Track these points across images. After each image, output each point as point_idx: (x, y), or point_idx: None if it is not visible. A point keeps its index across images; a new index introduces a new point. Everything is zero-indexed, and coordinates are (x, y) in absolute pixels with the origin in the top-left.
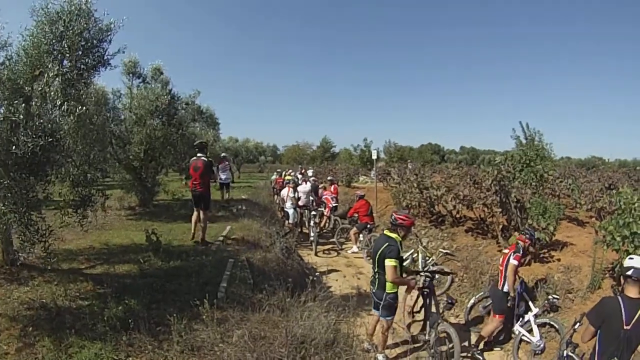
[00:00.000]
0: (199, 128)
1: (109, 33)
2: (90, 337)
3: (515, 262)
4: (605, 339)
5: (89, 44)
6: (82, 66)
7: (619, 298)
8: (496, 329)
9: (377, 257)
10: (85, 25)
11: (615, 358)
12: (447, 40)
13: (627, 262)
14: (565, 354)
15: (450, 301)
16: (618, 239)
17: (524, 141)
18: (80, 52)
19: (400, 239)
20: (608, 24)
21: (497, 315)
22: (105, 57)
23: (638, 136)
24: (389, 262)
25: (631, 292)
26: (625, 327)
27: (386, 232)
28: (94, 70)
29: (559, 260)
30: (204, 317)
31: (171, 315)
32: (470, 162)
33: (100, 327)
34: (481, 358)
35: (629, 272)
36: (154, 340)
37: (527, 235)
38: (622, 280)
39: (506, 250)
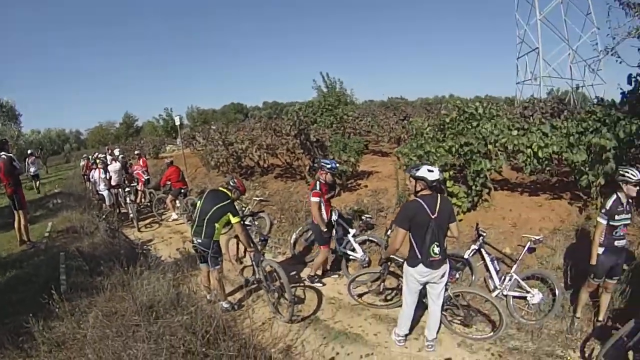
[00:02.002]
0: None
1: None
2: None
3: (315, 199)
4: (419, 234)
5: None
6: None
7: (418, 199)
8: (325, 258)
9: (212, 210)
10: None
11: (436, 242)
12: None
13: (425, 173)
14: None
15: (263, 239)
16: (414, 159)
17: (325, 90)
18: None
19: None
20: None
21: (321, 247)
22: None
23: (438, 75)
24: (236, 220)
25: (425, 192)
26: (432, 217)
27: (222, 188)
28: None
29: (366, 186)
30: (58, 311)
31: (27, 322)
32: (274, 115)
33: None
34: (320, 284)
35: (431, 179)
36: (20, 350)
37: (324, 168)
38: (418, 185)
39: None
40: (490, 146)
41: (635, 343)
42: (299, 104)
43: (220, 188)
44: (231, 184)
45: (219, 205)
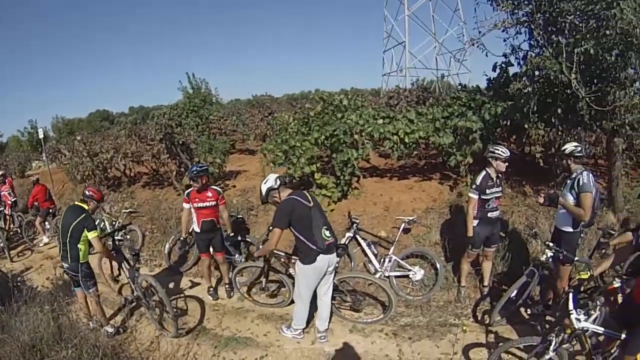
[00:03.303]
0: None
1: None
2: None
3: (184, 206)
4: (304, 226)
5: None
6: None
7: (291, 197)
8: (208, 265)
9: (70, 229)
10: None
11: (324, 226)
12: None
13: (269, 184)
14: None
15: (133, 253)
16: (280, 154)
17: (190, 91)
18: None
19: (90, 212)
20: None
21: (200, 255)
22: None
23: (303, 71)
24: (93, 235)
25: (290, 192)
26: (310, 205)
27: (77, 202)
28: None
29: (234, 186)
30: None
31: None
32: (140, 121)
33: None
34: (216, 296)
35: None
36: None
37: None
38: (279, 194)
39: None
40: (356, 136)
41: (524, 300)
42: (164, 107)
43: (77, 203)
44: (86, 194)
45: (75, 222)
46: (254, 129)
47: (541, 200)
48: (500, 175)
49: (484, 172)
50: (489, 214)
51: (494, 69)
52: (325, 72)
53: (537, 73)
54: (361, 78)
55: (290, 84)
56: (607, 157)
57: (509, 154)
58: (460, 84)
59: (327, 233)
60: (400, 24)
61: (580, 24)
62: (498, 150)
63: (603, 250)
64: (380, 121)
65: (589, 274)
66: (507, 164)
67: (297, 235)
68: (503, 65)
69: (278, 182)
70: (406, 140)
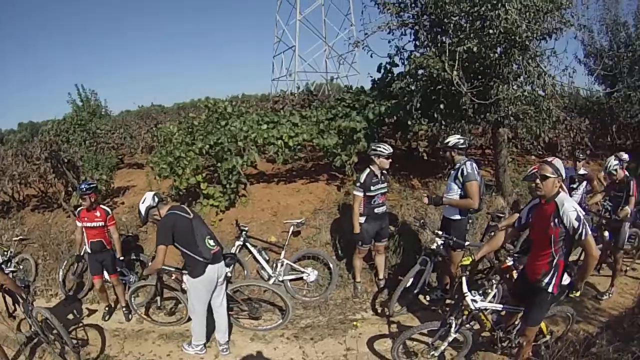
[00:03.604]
0: None
1: None
2: None
3: (78, 223)
4: (187, 240)
5: None
6: None
7: (171, 212)
8: (99, 287)
9: None
10: None
11: (207, 236)
12: None
13: (147, 202)
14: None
15: (24, 284)
16: (165, 166)
17: (80, 104)
18: None
19: None
20: None
21: (94, 277)
22: None
23: (194, 79)
24: None
25: (165, 207)
26: (190, 217)
27: None
28: None
29: (123, 203)
30: None
31: None
32: (30, 137)
33: None
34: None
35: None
36: None
37: (78, 192)
38: (158, 212)
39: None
40: (241, 142)
41: (422, 288)
42: (50, 121)
43: None
44: None
45: None
46: (140, 141)
47: (425, 200)
48: (384, 171)
49: (367, 170)
50: (376, 210)
51: (378, 70)
52: (216, 79)
53: (420, 72)
54: (252, 83)
55: (181, 92)
56: (494, 146)
57: (391, 150)
58: (345, 86)
59: (212, 242)
60: (291, 28)
61: (465, 25)
62: (380, 147)
63: (492, 233)
64: (265, 126)
65: (470, 260)
66: (390, 160)
67: (182, 250)
68: (387, 65)
69: (156, 200)
70: (290, 143)
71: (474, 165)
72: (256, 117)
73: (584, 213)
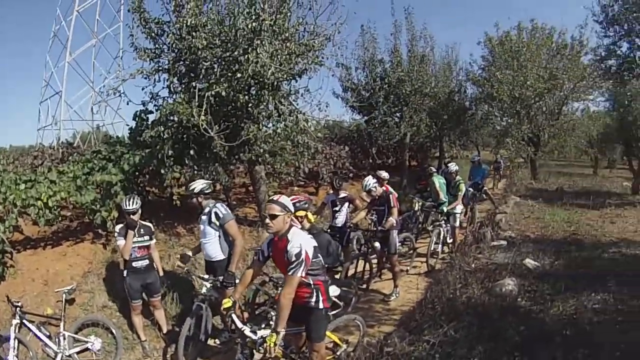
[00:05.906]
0: None
1: None
2: None
3: None
4: None
5: None
6: None
7: None
8: None
9: None
10: None
11: None
12: None
13: None
14: None
15: None
16: None
17: None
18: None
19: None
20: None
21: None
22: None
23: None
24: None
25: None
26: None
27: None
28: None
29: None
30: None
31: None
32: None
33: None
34: None
35: None
36: None
37: None
38: None
39: None
40: (0, 206)
41: (207, 333)
42: None
43: None
44: None
45: None
46: None
47: (180, 264)
48: (136, 224)
49: (122, 224)
50: (134, 264)
51: (134, 118)
52: None
53: (172, 118)
54: (20, 133)
55: None
56: (252, 184)
57: (134, 206)
58: (105, 136)
59: None
60: (60, 71)
61: (217, 69)
62: (123, 203)
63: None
64: (22, 186)
65: (230, 302)
66: (136, 215)
67: None
68: (141, 113)
69: None
70: (50, 203)
71: (224, 205)
72: (14, 176)
73: (308, 251)
